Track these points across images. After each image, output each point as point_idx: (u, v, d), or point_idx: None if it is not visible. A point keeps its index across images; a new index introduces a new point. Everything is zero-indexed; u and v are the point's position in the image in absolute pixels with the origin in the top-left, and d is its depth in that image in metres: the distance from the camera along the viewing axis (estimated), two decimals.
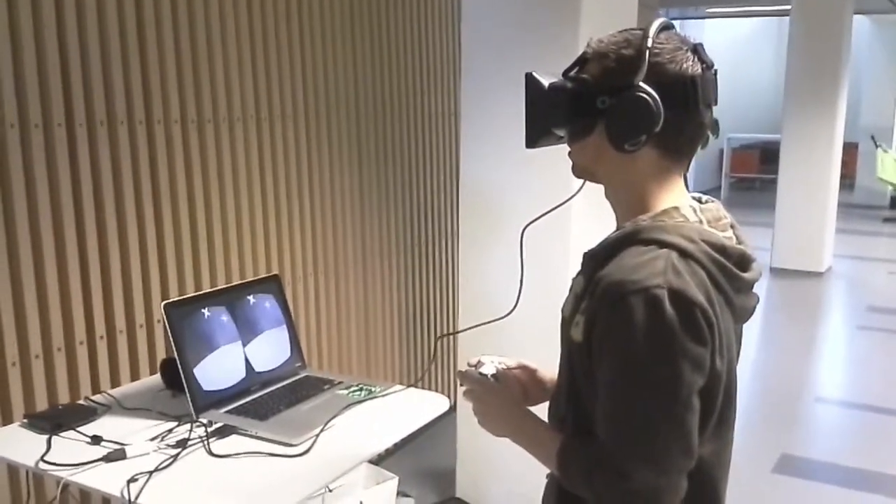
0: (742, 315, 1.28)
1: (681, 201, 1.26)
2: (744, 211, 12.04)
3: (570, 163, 1.34)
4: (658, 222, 1.23)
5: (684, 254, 1.17)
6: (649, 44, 1.20)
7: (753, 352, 5.87)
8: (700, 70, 1.23)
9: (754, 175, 13.73)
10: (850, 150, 12.19)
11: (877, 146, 11.03)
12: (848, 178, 12.60)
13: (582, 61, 1.28)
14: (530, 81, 1.28)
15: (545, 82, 1.27)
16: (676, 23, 9.62)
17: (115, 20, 2.41)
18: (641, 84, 1.19)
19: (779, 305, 7.22)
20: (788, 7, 7.73)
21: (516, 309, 1.55)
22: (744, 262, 1.25)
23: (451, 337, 4.13)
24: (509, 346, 2.06)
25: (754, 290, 1.31)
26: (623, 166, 1.26)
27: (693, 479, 1.20)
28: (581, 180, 1.36)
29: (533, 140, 1.32)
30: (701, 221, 1.25)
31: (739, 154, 13.78)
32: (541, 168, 2.81)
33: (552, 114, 1.28)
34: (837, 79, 7.62)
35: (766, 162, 12.64)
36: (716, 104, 1.30)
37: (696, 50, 1.24)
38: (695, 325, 1.13)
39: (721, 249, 1.21)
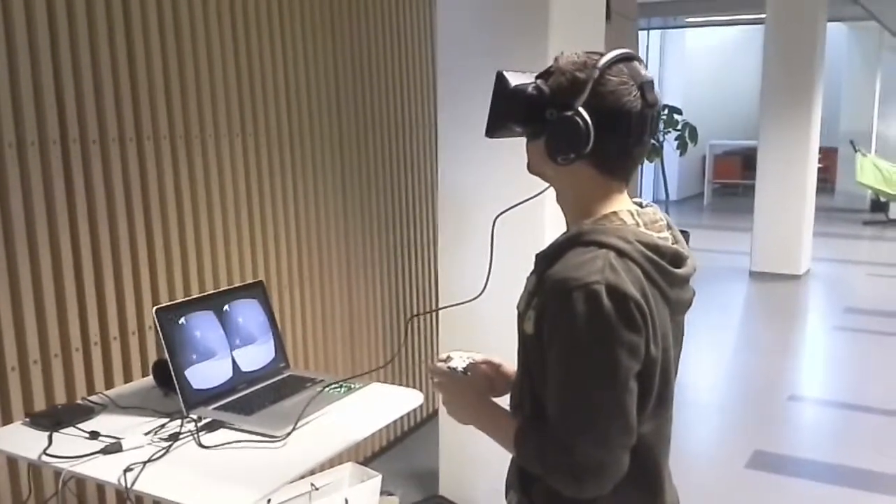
0: (679, 307, 1.42)
1: (620, 207, 1.40)
2: (726, 216, 12.23)
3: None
4: (598, 226, 1.37)
5: (621, 253, 1.32)
6: (595, 74, 1.33)
7: (730, 353, 6.03)
8: (639, 107, 1.35)
9: (737, 181, 13.92)
10: (830, 154, 12.43)
11: (856, 151, 11.22)
12: (828, 183, 12.83)
13: (548, 73, 1.42)
14: (499, 79, 1.42)
15: (512, 82, 1.41)
16: (657, 32, 9.73)
17: (105, 43, 2.55)
18: (580, 108, 1.33)
19: (756, 308, 7.38)
20: (764, 16, 7.91)
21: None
22: (677, 259, 1.40)
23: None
24: (492, 341, 2.18)
25: (691, 284, 1.45)
26: (564, 174, 1.41)
27: (635, 454, 1.33)
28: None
29: (491, 131, 1.46)
30: (638, 224, 1.39)
31: (722, 160, 13.98)
32: (516, 172, 2.96)
33: (510, 112, 1.42)
34: (812, 85, 7.77)
35: (749, 168, 12.83)
36: (653, 137, 1.43)
37: (643, 87, 1.36)
38: (629, 316, 1.27)
39: (655, 248, 1.36)
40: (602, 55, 1.37)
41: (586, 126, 1.32)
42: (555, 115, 1.36)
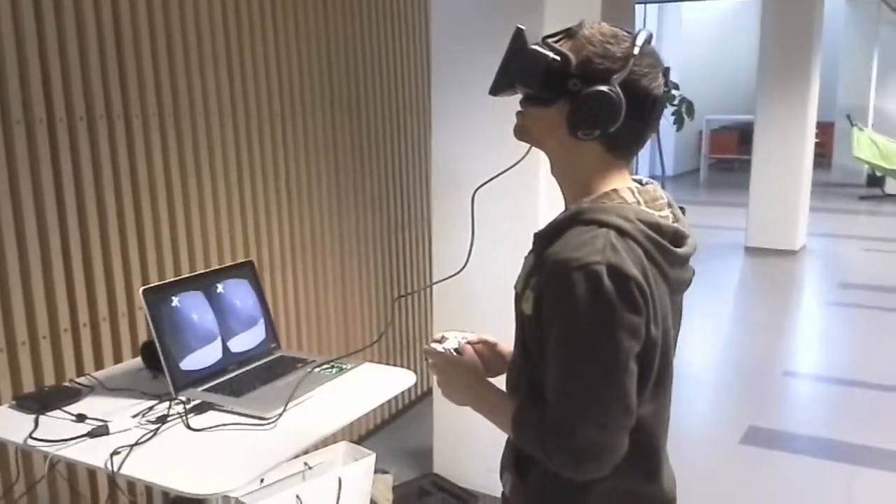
0: (678, 286, 1.39)
1: (621, 184, 1.36)
2: (722, 192, 12.19)
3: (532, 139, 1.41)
4: (599, 204, 1.33)
5: (622, 232, 1.28)
6: (636, 51, 1.29)
7: (725, 328, 6.01)
8: (660, 92, 1.32)
9: (733, 156, 13.87)
10: (826, 129, 12.36)
11: (853, 125, 11.15)
12: (825, 157, 12.78)
13: (567, 35, 1.35)
14: (517, 37, 1.34)
15: (530, 42, 1.33)
16: (654, 6, 9.67)
17: (91, 19, 2.49)
18: (616, 86, 1.27)
19: (751, 283, 7.37)
20: None
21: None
22: (677, 238, 1.36)
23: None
24: (487, 319, 2.15)
25: (690, 263, 1.41)
26: (570, 148, 1.35)
27: (634, 436, 1.30)
28: (527, 144, 1.44)
29: (497, 90, 1.39)
30: (639, 202, 1.35)
31: (718, 135, 13.92)
32: (510, 150, 2.92)
33: (524, 74, 1.34)
34: (809, 59, 7.71)
35: (745, 143, 12.77)
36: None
37: (665, 73, 1.34)
38: (630, 297, 1.24)
39: (656, 227, 1.32)
40: (629, 32, 1.32)
41: (621, 103, 1.27)
42: (579, 86, 1.29)
